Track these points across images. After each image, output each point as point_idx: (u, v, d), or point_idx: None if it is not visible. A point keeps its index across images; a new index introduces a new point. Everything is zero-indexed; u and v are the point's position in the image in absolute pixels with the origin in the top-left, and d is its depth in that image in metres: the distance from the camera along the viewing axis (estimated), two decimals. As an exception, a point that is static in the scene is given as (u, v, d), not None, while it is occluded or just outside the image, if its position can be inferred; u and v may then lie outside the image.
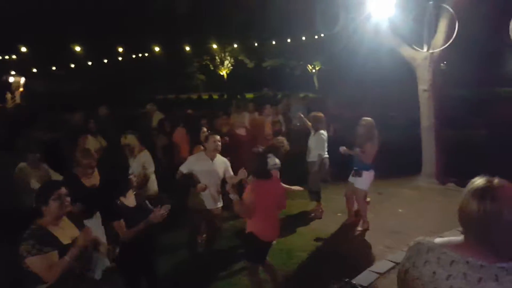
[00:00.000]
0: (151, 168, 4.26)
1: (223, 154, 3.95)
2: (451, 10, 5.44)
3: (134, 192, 2.91)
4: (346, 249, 4.14)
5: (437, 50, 5.77)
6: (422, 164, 6.31)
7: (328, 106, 7.91)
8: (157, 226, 2.78)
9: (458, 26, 5.36)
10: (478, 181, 1.22)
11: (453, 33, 5.46)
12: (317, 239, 4.40)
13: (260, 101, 11.25)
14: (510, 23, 4.27)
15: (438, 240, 1.31)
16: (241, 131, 6.15)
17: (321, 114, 5.12)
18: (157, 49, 30.88)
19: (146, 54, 31.95)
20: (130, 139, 4.28)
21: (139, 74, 28.55)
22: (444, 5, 5.52)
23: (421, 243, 1.31)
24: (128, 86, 24.56)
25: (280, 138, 4.64)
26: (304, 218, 5.04)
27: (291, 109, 7.73)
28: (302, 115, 5.76)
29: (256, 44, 29.54)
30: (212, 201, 3.77)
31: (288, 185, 3.57)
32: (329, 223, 4.83)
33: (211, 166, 3.75)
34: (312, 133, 5.10)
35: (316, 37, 23.49)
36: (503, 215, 1.14)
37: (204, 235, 4.07)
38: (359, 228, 4.57)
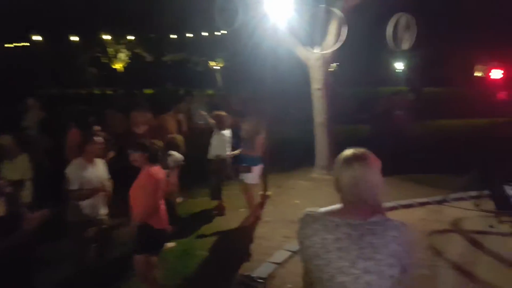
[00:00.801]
0: (28, 174, 3.81)
1: (119, 155, 3.74)
2: (340, 14, 6.02)
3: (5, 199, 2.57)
4: (247, 243, 4.29)
5: (328, 51, 6.34)
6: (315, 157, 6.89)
7: (231, 104, 8.07)
8: (41, 236, 2.52)
9: (347, 29, 5.96)
10: (347, 151, 1.45)
11: (342, 35, 6.05)
12: (218, 237, 4.48)
13: (161, 97, 10.93)
14: (386, 30, 4.94)
15: (322, 209, 1.50)
16: (141, 130, 5.88)
17: (223, 113, 5.20)
18: (38, 38, 27.58)
19: (27, 44, 28.32)
20: (5, 140, 3.78)
21: (19, 66, 25.12)
22: (334, 9, 6.08)
23: (308, 214, 1.48)
24: (5, 79, 21.42)
25: (178, 136, 4.60)
26: (206, 217, 5.07)
27: (193, 106, 7.66)
28: (204, 113, 5.77)
29: (154, 37, 28.51)
30: (94, 209, 3.47)
31: (188, 183, 3.57)
32: (231, 219, 4.96)
33: (92, 172, 3.45)
34: (215, 132, 5.15)
35: (217, 33, 23.69)
36: (368, 175, 1.37)
37: (94, 245, 3.79)
38: (252, 220, 4.77)
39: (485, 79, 4.68)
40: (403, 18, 5.55)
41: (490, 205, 5.10)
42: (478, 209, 4.99)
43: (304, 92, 8.28)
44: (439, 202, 5.26)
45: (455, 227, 4.57)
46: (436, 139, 9.02)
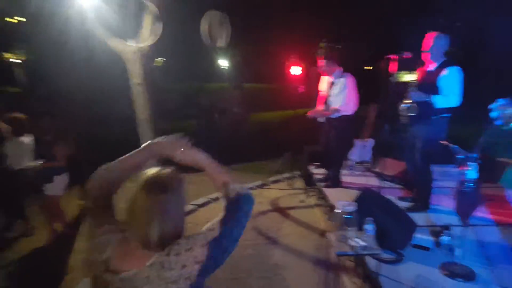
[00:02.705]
0: None
1: None
2: (152, 6, 5.97)
3: None
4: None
5: (144, 45, 6.22)
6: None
7: (32, 103, 7.05)
8: None
9: (167, 23, 5.95)
10: (149, 172, 1.28)
11: (157, 30, 6.03)
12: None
13: None
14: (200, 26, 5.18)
15: None
16: None
17: (22, 116, 4.47)
18: None
19: None
20: None
21: None
22: (145, 1, 5.99)
23: None
24: None
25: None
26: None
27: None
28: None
29: None
30: None
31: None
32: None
33: None
34: (9, 139, 4.33)
35: (10, 19, 20.16)
36: (168, 204, 1.22)
37: None
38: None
39: (287, 75, 5.54)
40: (216, 15, 5.93)
41: (300, 183, 6.07)
42: (291, 188, 5.86)
43: (124, 87, 7.98)
44: (260, 186, 5.92)
45: (274, 206, 5.23)
46: (257, 130, 10.12)
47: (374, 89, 5.01)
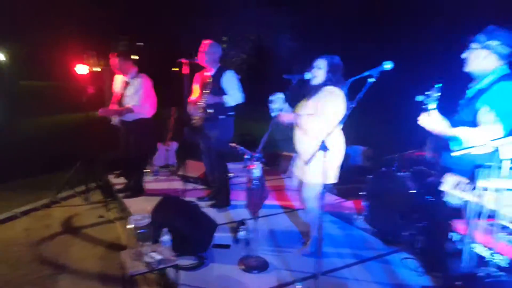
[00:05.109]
0: None
1: None
2: None
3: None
4: None
5: None
6: None
7: None
8: None
9: None
10: None
11: None
12: None
13: None
14: None
15: None
16: None
17: None
18: None
19: None
20: None
21: None
22: None
23: None
24: None
25: None
26: None
27: None
28: None
29: None
30: None
31: None
32: None
33: None
34: None
35: None
36: None
37: None
38: None
39: (73, 74, 4.88)
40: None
41: (98, 196, 5.54)
42: (87, 202, 5.28)
43: None
44: (47, 206, 5.11)
45: (66, 227, 4.59)
46: (39, 137, 8.80)
47: (179, 91, 5.02)
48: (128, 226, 2.81)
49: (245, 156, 3.08)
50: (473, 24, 2.59)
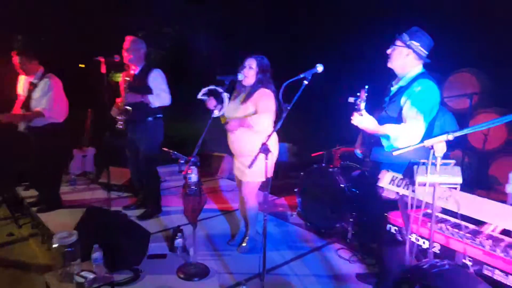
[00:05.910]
0: None
1: None
2: None
3: None
4: None
5: None
6: None
7: None
8: None
9: None
10: None
11: None
12: None
13: None
14: None
15: None
16: None
17: None
18: None
19: None
20: None
21: None
22: None
23: None
24: None
25: None
26: None
27: None
28: None
29: None
30: None
31: None
32: None
33: None
34: None
35: None
36: None
37: None
38: None
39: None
40: None
41: (5, 212, 4.94)
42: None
43: None
44: None
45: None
46: None
47: (91, 91, 4.64)
48: (53, 246, 2.53)
49: (180, 161, 2.96)
50: (396, 25, 2.80)
